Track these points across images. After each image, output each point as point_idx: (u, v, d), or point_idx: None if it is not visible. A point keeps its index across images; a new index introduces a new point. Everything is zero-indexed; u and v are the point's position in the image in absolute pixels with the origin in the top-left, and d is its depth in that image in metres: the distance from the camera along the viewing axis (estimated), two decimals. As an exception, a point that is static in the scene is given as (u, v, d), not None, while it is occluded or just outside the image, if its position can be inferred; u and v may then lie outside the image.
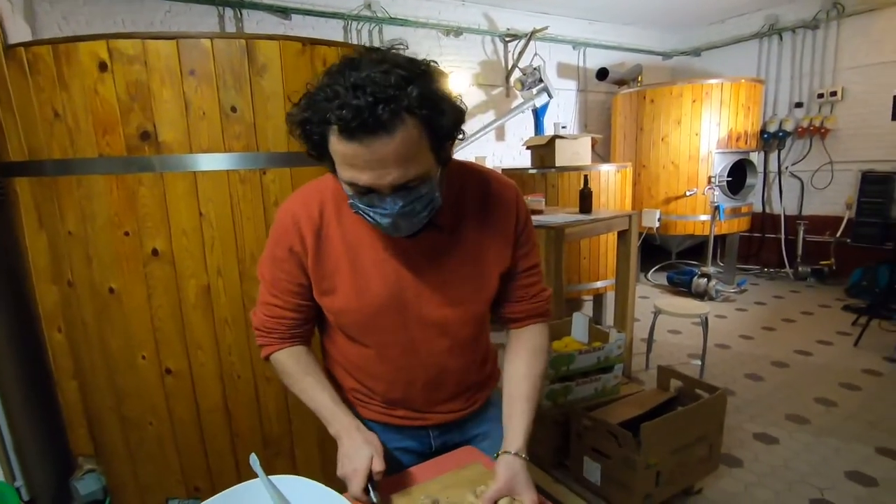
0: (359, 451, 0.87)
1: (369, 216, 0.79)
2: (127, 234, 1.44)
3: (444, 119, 0.73)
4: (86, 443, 1.70)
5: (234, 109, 1.41)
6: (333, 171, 0.78)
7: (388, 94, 0.66)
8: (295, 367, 0.97)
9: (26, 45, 1.36)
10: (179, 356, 1.54)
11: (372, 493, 0.85)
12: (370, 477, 0.85)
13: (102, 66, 1.33)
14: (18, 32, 2.47)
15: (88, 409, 1.65)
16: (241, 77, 1.41)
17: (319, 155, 0.77)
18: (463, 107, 0.77)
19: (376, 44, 4.38)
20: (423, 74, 0.71)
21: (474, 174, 0.95)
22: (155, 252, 1.45)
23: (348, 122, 0.67)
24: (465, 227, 0.92)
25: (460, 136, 0.80)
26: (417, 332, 0.94)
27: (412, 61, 0.72)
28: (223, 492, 0.86)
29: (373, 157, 0.70)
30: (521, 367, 0.99)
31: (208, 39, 1.37)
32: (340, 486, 0.87)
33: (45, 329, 1.60)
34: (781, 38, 5.27)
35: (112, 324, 1.52)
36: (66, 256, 1.50)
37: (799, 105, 5.20)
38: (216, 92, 1.39)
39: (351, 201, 0.79)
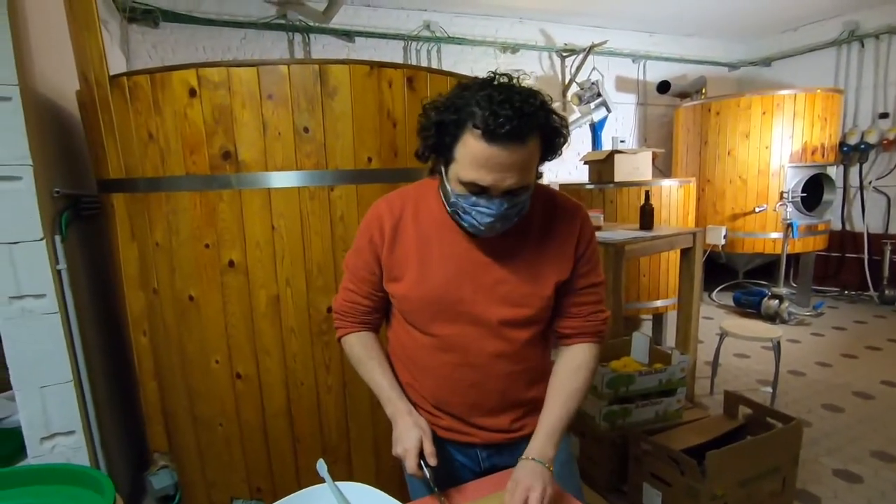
0: (409, 433, 0.95)
1: (470, 216, 0.88)
2: (207, 246, 1.55)
3: (557, 141, 0.88)
4: (162, 440, 1.81)
5: (306, 130, 1.50)
6: (436, 171, 0.92)
7: (530, 111, 0.80)
8: (361, 351, 1.08)
9: (128, 74, 1.50)
10: (249, 361, 1.62)
11: (426, 470, 0.91)
12: (422, 455, 0.92)
13: (192, 93, 1.45)
14: (115, 62, 2.74)
15: (165, 408, 1.76)
16: (314, 99, 1.49)
17: (437, 152, 0.89)
18: (568, 133, 0.90)
19: (434, 62, 4.50)
20: (546, 102, 0.85)
21: (543, 190, 1.04)
22: (231, 263, 1.55)
23: (496, 128, 0.78)
24: (529, 233, 1.00)
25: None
26: (470, 328, 0.99)
27: (533, 90, 0.85)
28: (293, 494, 0.90)
29: (504, 161, 0.81)
30: (555, 381, 1.04)
31: (286, 66, 1.46)
32: (401, 496, 0.90)
33: (132, 332, 1.73)
34: (863, 45, 4.94)
35: (190, 329, 1.63)
36: (152, 266, 1.63)
37: (884, 116, 4.83)
38: (291, 114, 1.48)
39: (453, 200, 0.89)
